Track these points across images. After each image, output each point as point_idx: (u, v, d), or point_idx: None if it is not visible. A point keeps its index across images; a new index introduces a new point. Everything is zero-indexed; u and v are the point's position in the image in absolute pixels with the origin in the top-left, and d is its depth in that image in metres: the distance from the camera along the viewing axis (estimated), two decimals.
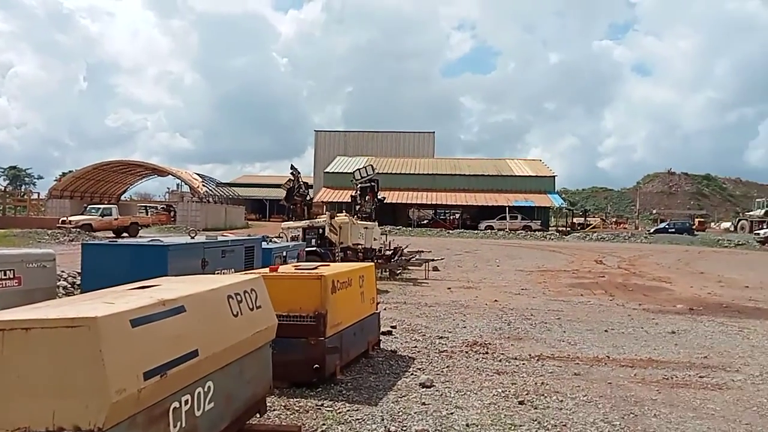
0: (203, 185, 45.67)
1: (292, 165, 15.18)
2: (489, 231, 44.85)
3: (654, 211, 67.82)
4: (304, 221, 12.92)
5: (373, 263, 6.62)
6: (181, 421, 2.61)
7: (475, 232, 44.62)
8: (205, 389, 2.83)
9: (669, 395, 4.81)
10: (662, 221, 56.37)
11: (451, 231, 44.47)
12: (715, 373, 5.57)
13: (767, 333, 7.74)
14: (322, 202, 45.70)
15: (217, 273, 5.75)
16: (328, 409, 4.22)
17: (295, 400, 4.40)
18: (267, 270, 5.14)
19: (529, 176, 53.66)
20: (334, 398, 4.46)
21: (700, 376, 5.45)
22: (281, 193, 16.99)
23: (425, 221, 53.08)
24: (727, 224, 58.18)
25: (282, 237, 12.25)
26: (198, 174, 49.34)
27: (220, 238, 6.69)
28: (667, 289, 12.95)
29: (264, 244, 8.09)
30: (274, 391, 4.38)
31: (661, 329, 7.80)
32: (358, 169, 16.37)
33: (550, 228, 49.23)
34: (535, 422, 4.05)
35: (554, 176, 53.95)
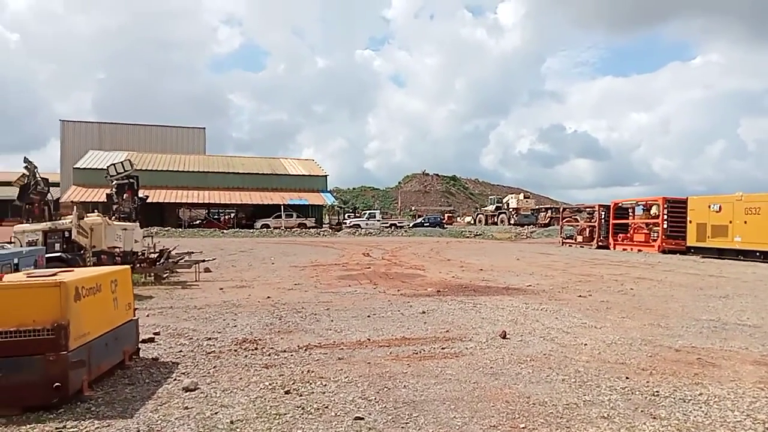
0: None
1: (25, 158, 12.90)
2: (265, 230, 44.76)
3: (413, 208, 75.72)
4: (44, 223, 11.14)
5: (128, 266, 6.04)
6: None
7: (251, 231, 44.10)
8: None
9: (417, 367, 5.45)
10: (419, 216, 63.64)
11: (225, 231, 43.14)
12: (453, 344, 6.48)
13: (493, 306, 9.30)
14: (73, 202, 39.98)
15: None
16: (71, 430, 3.74)
17: (29, 426, 3.80)
18: None
19: (303, 175, 55.11)
20: (80, 417, 3.97)
21: (442, 348, 6.29)
22: (16, 192, 14.34)
23: (198, 221, 50.53)
24: (468, 218, 68.09)
25: (15, 242, 10.42)
26: None
27: None
28: (421, 275, 14.60)
29: None
30: None
31: (414, 310, 8.77)
32: (113, 164, 14.68)
33: (323, 225, 51.27)
34: (300, 408, 4.20)
35: (326, 176, 56.43)
